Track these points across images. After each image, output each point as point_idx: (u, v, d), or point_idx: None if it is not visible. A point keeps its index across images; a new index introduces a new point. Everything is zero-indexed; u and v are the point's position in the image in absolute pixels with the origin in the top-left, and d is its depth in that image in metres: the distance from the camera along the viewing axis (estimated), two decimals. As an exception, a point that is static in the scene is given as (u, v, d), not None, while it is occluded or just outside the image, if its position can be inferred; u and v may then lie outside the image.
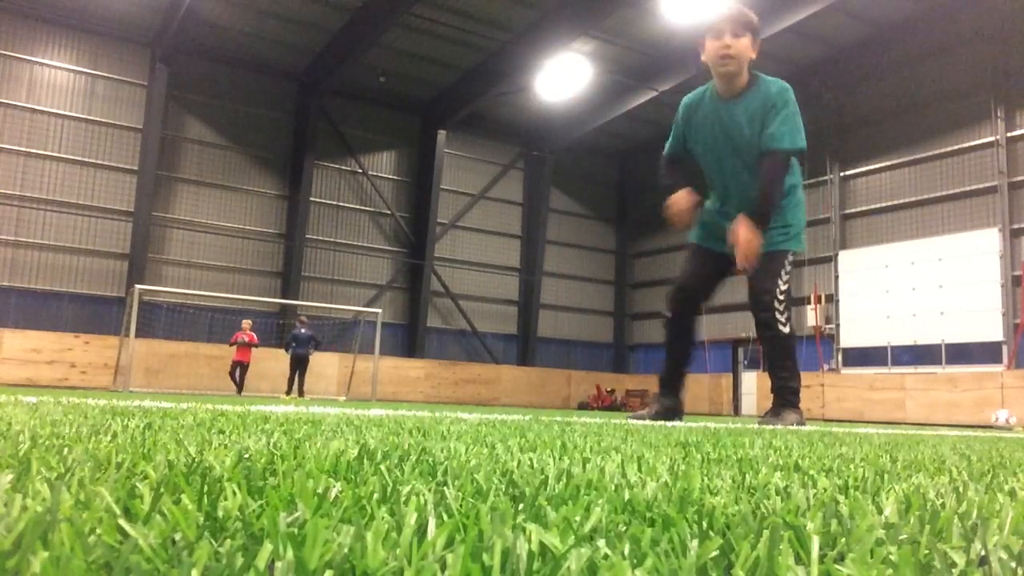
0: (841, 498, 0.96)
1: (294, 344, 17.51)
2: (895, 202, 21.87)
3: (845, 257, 22.66)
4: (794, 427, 4.85)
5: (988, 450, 2.81)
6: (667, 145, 5.42)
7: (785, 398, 5.23)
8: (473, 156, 26.63)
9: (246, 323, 17.81)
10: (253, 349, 17.67)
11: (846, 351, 22.32)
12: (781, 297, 5.16)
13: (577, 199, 29.02)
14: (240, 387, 17.64)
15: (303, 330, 17.64)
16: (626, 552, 0.56)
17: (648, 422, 4.82)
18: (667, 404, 5.45)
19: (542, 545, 0.53)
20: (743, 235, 4.79)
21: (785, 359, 5.22)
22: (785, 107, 4.94)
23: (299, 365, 17.53)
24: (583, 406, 25.77)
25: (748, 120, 4.94)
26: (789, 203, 5.19)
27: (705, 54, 5.00)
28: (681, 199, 5.12)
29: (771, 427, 4.63)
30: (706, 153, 5.18)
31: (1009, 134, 19.60)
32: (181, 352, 19.89)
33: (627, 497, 0.85)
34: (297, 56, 22.60)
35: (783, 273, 5.18)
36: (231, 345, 17.67)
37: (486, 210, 26.94)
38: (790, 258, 5.25)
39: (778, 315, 5.10)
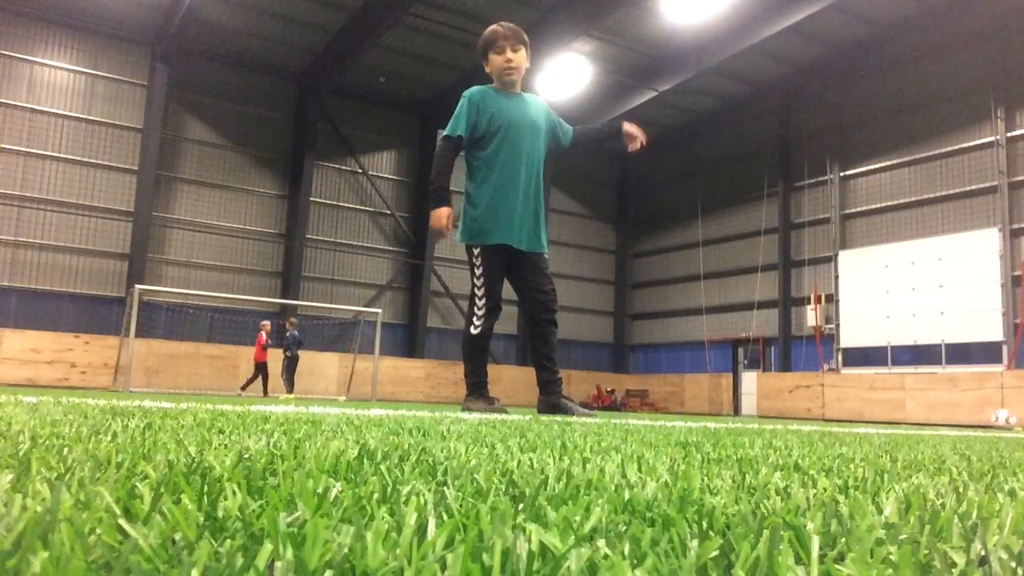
0: (841, 498, 0.96)
1: (294, 346, 17.63)
2: (895, 202, 21.88)
3: (845, 257, 22.66)
4: (586, 417, 5.12)
5: (988, 450, 2.81)
6: None
7: (559, 388, 5.56)
8: (473, 156, 26.61)
9: (265, 324, 17.95)
10: (264, 350, 17.84)
11: (846, 351, 22.33)
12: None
13: (577, 199, 29.02)
14: (264, 389, 17.89)
15: (295, 332, 17.80)
16: (626, 552, 0.56)
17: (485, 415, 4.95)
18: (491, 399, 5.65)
19: (542, 545, 0.53)
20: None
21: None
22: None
23: (295, 365, 17.67)
24: (583, 406, 25.76)
25: None
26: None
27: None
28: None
29: (571, 416, 4.98)
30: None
31: (1009, 134, 19.60)
32: (181, 352, 19.89)
33: (627, 497, 0.85)
34: (297, 56, 22.60)
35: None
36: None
37: (486, 210, 26.92)
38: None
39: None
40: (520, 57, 5.47)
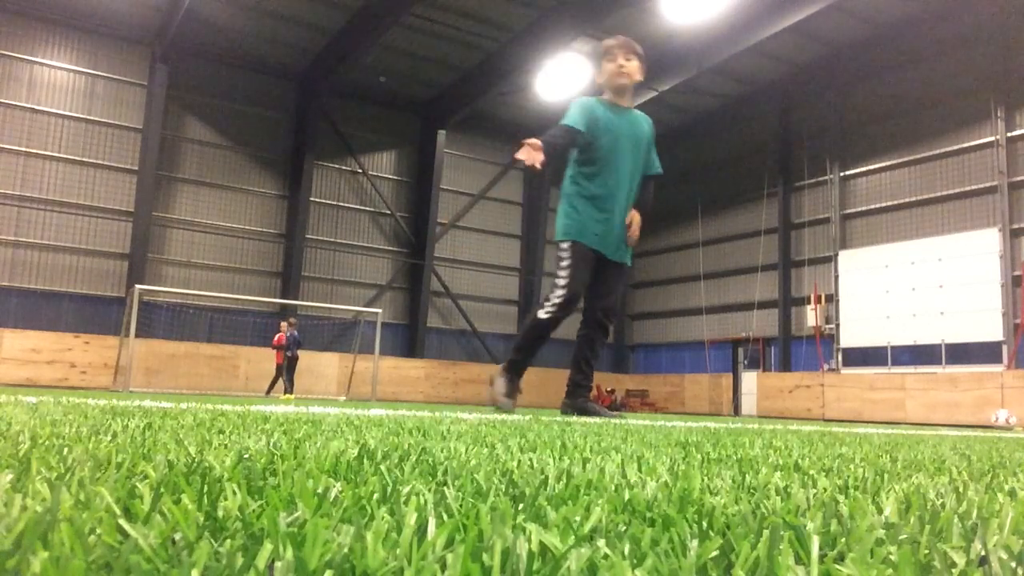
0: (841, 498, 0.96)
1: (294, 347, 17.65)
2: (895, 202, 21.88)
3: (845, 257, 22.66)
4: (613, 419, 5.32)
5: (988, 450, 2.81)
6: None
7: (587, 393, 5.76)
8: (473, 156, 26.63)
9: (284, 324, 17.95)
10: (275, 351, 17.88)
11: (846, 351, 22.32)
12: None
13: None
14: (271, 388, 17.90)
15: (295, 332, 17.82)
16: (626, 552, 0.56)
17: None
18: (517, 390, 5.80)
19: (542, 545, 0.53)
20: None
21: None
22: None
23: (294, 365, 17.69)
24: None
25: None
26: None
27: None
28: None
29: (597, 418, 5.12)
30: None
31: (1009, 134, 19.60)
32: (181, 352, 19.89)
33: (627, 497, 0.85)
34: (297, 56, 22.60)
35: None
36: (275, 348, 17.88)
37: (486, 210, 26.94)
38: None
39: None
40: (633, 66, 5.59)
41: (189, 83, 22.00)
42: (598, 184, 5.56)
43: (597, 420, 4.67)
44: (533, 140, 5.15)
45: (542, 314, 5.41)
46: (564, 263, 5.46)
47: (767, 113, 25.03)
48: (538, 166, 5.08)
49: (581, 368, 5.65)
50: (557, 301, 5.40)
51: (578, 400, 5.66)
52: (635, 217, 5.69)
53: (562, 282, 5.42)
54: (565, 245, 5.50)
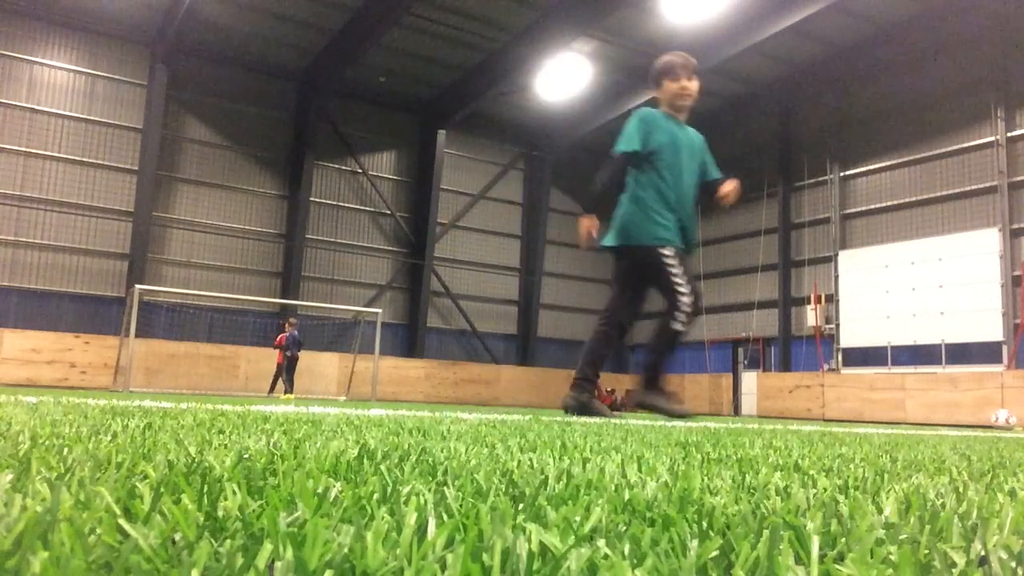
0: (841, 498, 0.96)
1: (294, 347, 17.66)
2: (895, 202, 21.87)
3: (845, 257, 22.66)
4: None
5: (988, 450, 2.81)
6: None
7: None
8: (473, 156, 26.63)
9: (287, 324, 17.97)
10: (277, 351, 17.89)
11: (846, 351, 22.32)
12: None
13: (577, 199, 29.01)
14: (272, 388, 17.90)
15: (295, 332, 17.82)
16: (626, 552, 0.56)
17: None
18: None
19: (542, 545, 0.53)
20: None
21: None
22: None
23: (294, 366, 17.70)
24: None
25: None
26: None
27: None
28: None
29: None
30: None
31: (1009, 134, 19.60)
32: (181, 352, 19.89)
33: (627, 497, 0.85)
34: (297, 56, 22.60)
35: None
36: (276, 348, 17.88)
37: (486, 210, 26.94)
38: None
39: None
40: (694, 87, 5.86)
41: (189, 83, 22.00)
42: (669, 188, 5.76)
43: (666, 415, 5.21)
44: (583, 221, 5.51)
45: (678, 326, 5.52)
46: (673, 269, 5.59)
47: (767, 113, 25.03)
48: (591, 240, 5.52)
49: (654, 362, 5.85)
50: (687, 309, 5.54)
51: (648, 394, 5.89)
52: (731, 184, 5.95)
53: (682, 288, 5.57)
54: (669, 252, 5.63)
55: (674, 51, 5.99)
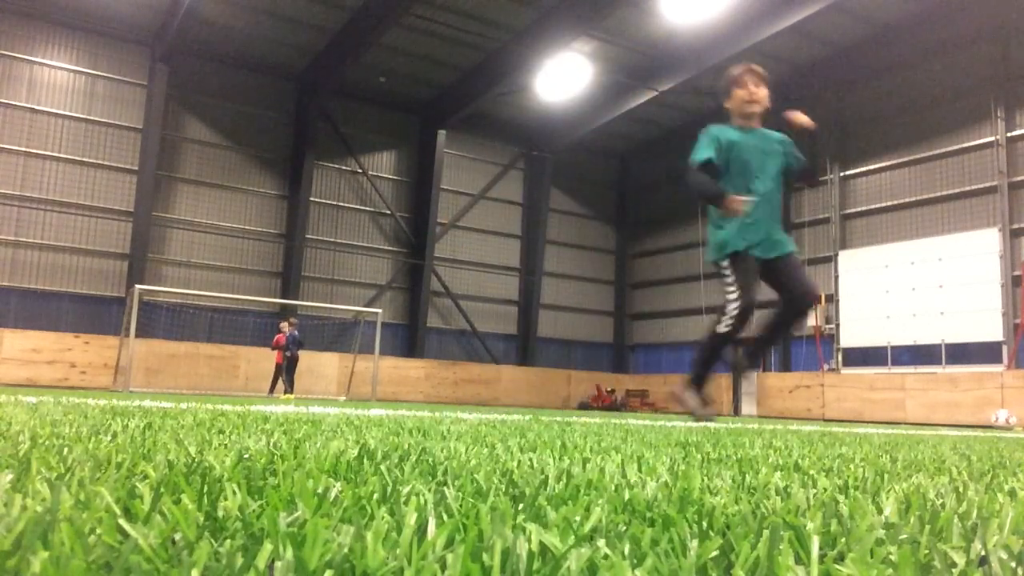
0: (841, 498, 0.96)
1: (294, 347, 17.64)
2: (895, 202, 21.87)
3: (845, 257, 22.66)
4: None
5: (988, 450, 2.81)
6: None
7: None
8: (473, 156, 26.63)
9: (284, 324, 17.91)
10: (275, 351, 17.86)
11: (846, 351, 22.32)
12: None
13: (577, 199, 29.02)
14: (272, 388, 17.87)
15: (295, 332, 17.80)
16: (626, 552, 0.56)
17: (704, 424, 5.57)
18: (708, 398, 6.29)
19: (542, 545, 0.53)
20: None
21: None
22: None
23: (294, 365, 17.68)
24: (583, 406, 25.76)
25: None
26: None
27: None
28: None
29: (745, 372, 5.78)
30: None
31: (1009, 134, 19.60)
32: (181, 352, 19.89)
33: (627, 497, 0.85)
34: (297, 56, 22.60)
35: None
36: (274, 349, 17.83)
37: (486, 210, 26.94)
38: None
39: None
40: (762, 93, 5.99)
41: (189, 83, 22.00)
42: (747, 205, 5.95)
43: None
44: (729, 200, 5.63)
45: (721, 328, 5.74)
46: (728, 279, 5.80)
47: (767, 113, 25.01)
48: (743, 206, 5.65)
49: (762, 334, 6.03)
50: (733, 314, 5.73)
51: (686, 390, 6.06)
52: (799, 117, 5.96)
53: (732, 296, 5.76)
54: (724, 263, 5.84)
55: (741, 63, 6.16)
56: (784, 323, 5.96)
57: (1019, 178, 19.40)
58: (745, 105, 5.96)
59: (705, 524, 0.70)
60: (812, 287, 6.00)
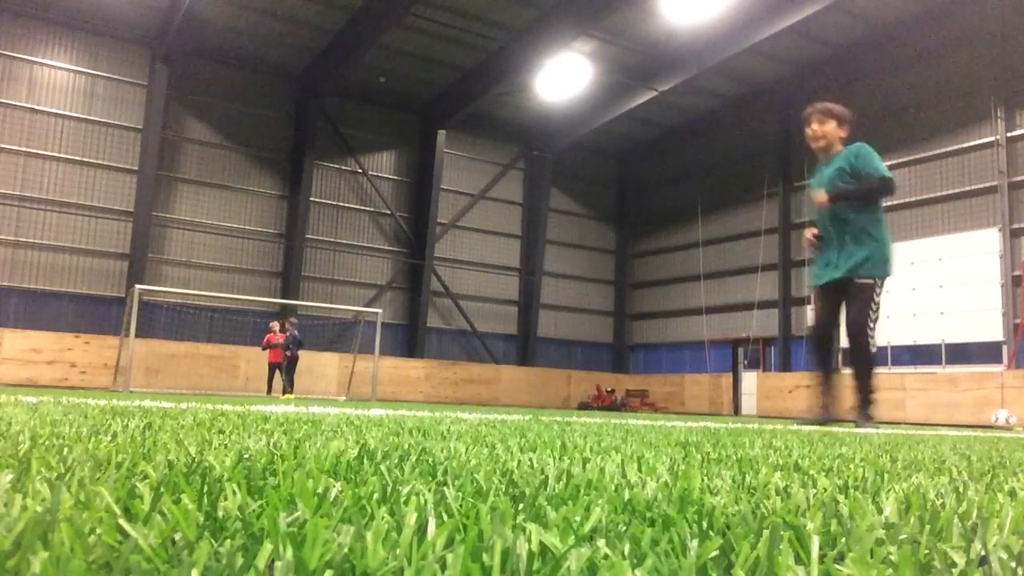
0: (841, 498, 0.96)
1: (294, 347, 17.62)
2: (895, 202, 21.86)
3: (845, 257, 22.63)
4: (869, 430, 6.05)
5: (988, 450, 2.81)
6: None
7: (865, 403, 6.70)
8: (473, 156, 26.63)
9: (275, 324, 17.89)
10: (266, 349, 17.82)
11: (846, 351, 22.30)
12: (872, 324, 6.50)
13: (577, 199, 29.02)
14: (270, 388, 17.85)
15: (295, 332, 17.79)
16: (626, 552, 0.56)
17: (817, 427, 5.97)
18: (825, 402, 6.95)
19: (542, 545, 0.53)
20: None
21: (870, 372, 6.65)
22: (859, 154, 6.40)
23: (294, 365, 17.66)
24: (583, 406, 25.76)
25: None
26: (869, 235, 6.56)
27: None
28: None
29: (855, 429, 5.90)
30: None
31: (1009, 134, 19.59)
32: (181, 352, 19.89)
33: (627, 497, 0.85)
34: (297, 56, 22.60)
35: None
36: (265, 348, 17.79)
37: (486, 210, 26.94)
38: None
39: (869, 336, 6.50)
40: (824, 129, 6.39)
41: (189, 83, 22.00)
42: (821, 231, 6.55)
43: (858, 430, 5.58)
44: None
45: (874, 348, 6.58)
46: (879, 298, 6.54)
47: (767, 113, 25.02)
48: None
49: (855, 383, 6.79)
50: (873, 334, 6.46)
51: (856, 412, 6.77)
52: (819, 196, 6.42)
53: (875, 315, 6.46)
54: (881, 282, 6.56)
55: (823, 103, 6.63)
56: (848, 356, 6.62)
57: (1019, 178, 19.40)
58: (810, 143, 6.51)
59: (705, 524, 0.70)
60: (855, 321, 6.51)
